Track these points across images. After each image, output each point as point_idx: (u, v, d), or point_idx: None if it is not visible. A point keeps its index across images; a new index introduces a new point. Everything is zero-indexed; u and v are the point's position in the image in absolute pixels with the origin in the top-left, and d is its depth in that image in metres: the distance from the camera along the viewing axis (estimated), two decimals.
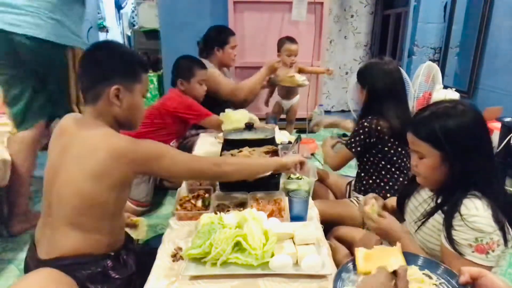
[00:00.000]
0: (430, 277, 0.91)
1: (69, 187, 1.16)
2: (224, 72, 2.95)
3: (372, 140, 1.79)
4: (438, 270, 0.92)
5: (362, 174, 1.93)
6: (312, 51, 3.84)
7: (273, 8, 3.82)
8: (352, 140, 1.85)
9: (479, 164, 1.07)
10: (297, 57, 3.38)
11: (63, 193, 1.16)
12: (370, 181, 1.89)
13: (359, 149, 1.83)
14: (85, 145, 1.16)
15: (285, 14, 3.85)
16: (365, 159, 1.90)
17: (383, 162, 1.84)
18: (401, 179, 1.84)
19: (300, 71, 3.42)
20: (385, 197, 1.82)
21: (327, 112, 4.25)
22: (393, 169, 1.84)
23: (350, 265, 0.98)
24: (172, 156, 1.24)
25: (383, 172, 1.85)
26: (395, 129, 1.75)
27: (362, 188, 1.91)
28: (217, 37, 2.84)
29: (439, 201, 1.15)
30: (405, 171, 1.84)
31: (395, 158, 1.82)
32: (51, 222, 1.19)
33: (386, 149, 1.81)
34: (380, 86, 1.79)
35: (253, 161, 1.53)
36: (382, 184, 1.86)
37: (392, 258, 0.94)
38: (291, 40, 3.37)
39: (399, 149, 1.81)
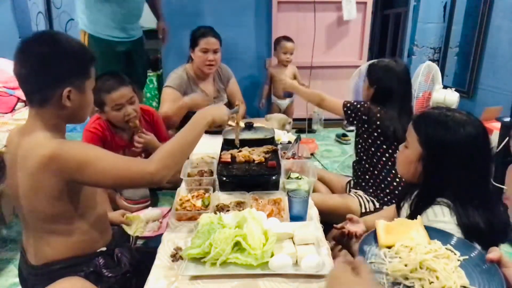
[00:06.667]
0: (454, 253, 0.87)
1: (26, 203, 1.12)
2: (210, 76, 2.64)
3: (364, 117, 1.84)
4: (464, 248, 0.88)
5: (359, 173, 1.97)
6: (355, 51, 3.94)
7: (317, 8, 3.79)
8: (352, 100, 1.93)
9: (457, 179, 1.08)
10: (292, 55, 3.42)
11: (24, 208, 1.14)
12: (367, 177, 1.93)
13: (349, 111, 1.89)
14: (22, 157, 1.09)
15: (327, 13, 3.88)
16: (360, 153, 1.95)
17: (376, 158, 1.88)
18: (397, 179, 1.84)
19: (295, 77, 3.48)
20: (382, 193, 1.85)
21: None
22: (387, 167, 1.85)
23: (371, 238, 0.95)
24: (98, 162, 1.07)
25: (378, 167, 1.88)
26: (386, 124, 1.80)
27: (360, 186, 1.94)
28: (191, 38, 2.57)
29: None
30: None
31: (387, 155, 1.83)
32: (30, 231, 1.19)
33: (377, 138, 1.84)
34: (387, 87, 1.84)
35: (183, 133, 1.22)
36: (378, 180, 1.89)
37: (414, 231, 0.91)
38: (287, 38, 3.40)
39: (392, 146, 1.84)
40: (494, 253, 0.78)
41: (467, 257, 0.84)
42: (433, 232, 0.93)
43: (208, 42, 2.50)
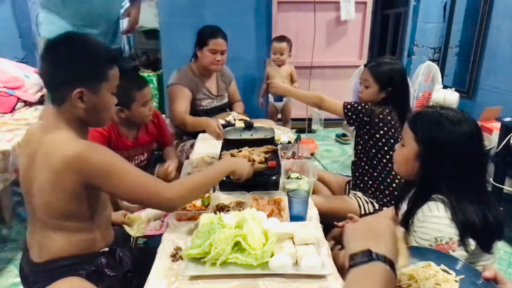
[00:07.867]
0: (448, 273, 0.83)
1: (40, 198, 1.13)
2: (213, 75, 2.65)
3: (365, 119, 1.82)
4: (456, 265, 0.85)
5: (357, 174, 1.96)
6: (355, 51, 3.97)
7: (317, 8, 3.80)
8: (352, 101, 1.89)
9: (453, 175, 1.10)
10: (284, 56, 3.39)
11: (38, 203, 1.15)
12: (366, 178, 1.92)
13: (350, 113, 1.85)
14: (45, 153, 1.11)
15: (327, 13, 3.91)
16: (360, 154, 1.93)
17: (376, 159, 1.87)
18: (397, 180, 1.84)
19: (291, 77, 3.48)
20: (381, 194, 1.84)
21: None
22: (387, 168, 1.85)
23: None
24: (123, 175, 1.11)
25: (378, 168, 1.87)
26: (390, 125, 1.80)
27: (359, 187, 1.94)
28: (198, 38, 2.57)
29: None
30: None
31: (388, 157, 1.83)
32: (37, 227, 1.19)
33: (379, 139, 1.83)
34: (400, 87, 1.85)
35: (206, 173, 1.35)
36: (377, 182, 1.88)
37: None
38: (278, 38, 3.40)
39: (393, 148, 1.81)
40: (489, 270, 0.78)
41: (463, 276, 0.84)
42: (415, 251, 0.91)
43: (217, 43, 2.51)
